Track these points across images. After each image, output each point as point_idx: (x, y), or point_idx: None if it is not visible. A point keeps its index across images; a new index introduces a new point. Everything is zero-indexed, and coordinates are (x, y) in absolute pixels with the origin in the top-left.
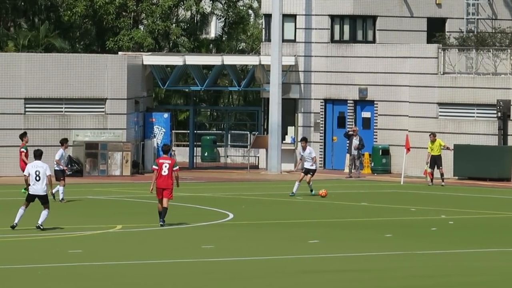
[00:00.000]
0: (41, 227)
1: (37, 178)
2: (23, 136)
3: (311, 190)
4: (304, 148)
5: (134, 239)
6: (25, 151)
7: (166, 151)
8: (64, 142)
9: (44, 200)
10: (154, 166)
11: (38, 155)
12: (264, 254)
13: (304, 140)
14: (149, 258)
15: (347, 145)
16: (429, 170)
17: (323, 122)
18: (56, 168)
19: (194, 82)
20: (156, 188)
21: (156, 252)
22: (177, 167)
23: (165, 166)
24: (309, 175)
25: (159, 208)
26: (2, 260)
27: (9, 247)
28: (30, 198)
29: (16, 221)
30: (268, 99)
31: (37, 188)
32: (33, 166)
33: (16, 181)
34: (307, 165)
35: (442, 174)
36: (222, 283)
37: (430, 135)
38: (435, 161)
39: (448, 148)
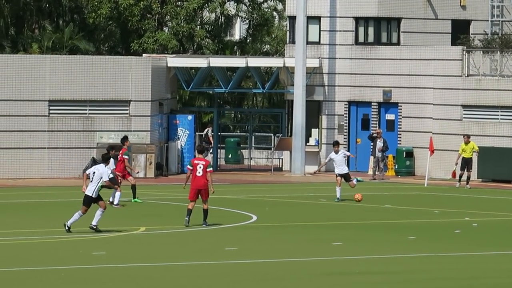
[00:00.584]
0: (95, 228)
1: (92, 179)
2: (124, 140)
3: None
4: (336, 152)
5: (158, 241)
6: (127, 157)
7: (200, 151)
8: (110, 149)
9: (96, 200)
10: (188, 166)
11: (104, 159)
12: (287, 256)
13: (337, 144)
14: (173, 260)
15: (371, 147)
16: (458, 171)
17: (347, 124)
18: (111, 176)
19: (218, 84)
20: (190, 189)
21: (179, 254)
22: (211, 168)
23: (200, 167)
24: (350, 181)
25: (190, 206)
26: (26, 262)
27: (33, 248)
28: (85, 198)
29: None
30: (292, 101)
31: (89, 189)
32: (94, 168)
33: (41, 183)
34: (339, 170)
35: (469, 177)
36: (246, 285)
37: (464, 136)
38: (467, 163)
39: (477, 153)
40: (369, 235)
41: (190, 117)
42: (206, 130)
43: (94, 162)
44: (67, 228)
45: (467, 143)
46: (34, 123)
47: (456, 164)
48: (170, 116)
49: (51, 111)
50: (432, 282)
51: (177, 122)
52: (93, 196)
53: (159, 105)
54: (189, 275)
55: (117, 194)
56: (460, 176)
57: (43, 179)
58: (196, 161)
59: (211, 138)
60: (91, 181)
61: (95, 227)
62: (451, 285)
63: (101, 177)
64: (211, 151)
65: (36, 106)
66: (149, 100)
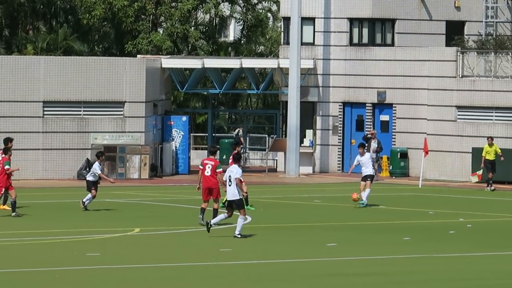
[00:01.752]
0: (238, 236)
1: (229, 183)
2: (236, 144)
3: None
4: (362, 154)
5: (152, 243)
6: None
7: (212, 152)
8: (100, 155)
9: (237, 205)
10: (199, 166)
11: (236, 159)
12: (282, 257)
13: (363, 146)
14: (167, 261)
15: (366, 148)
16: (479, 172)
17: (341, 125)
18: (89, 179)
19: (213, 85)
20: (202, 189)
21: (174, 255)
22: (220, 169)
23: (208, 167)
24: (368, 181)
25: (203, 205)
26: (20, 263)
27: (27, 250)
28: (228, 204)
29: (213, 221)
30: (286, 102)
31: (229, 193)
32: (227, 171)
33: (35, 184)
34: (367, 171)
35: (491, 179)
36: (240, 286)
37: (488, 138)
38: (491, 165)
39: (501, 156)
40: (364, 237)
41: (184, 118)
42: (236, 131)
43: (88, 163)
44: (209, 225)
45: (490, 145)
46: (29, 124)
47: (482, 167)
48: (165, 117)
49: (45, 112)
50: (426, 283)
51: (172, 123)
52: (233, 199)
53: (154, 106)
54: (183, 276)
55: (89, 196)
56: (490, 179)
57: (37, 180)
58: (206, 161)
59: (242, 139)
60: (231, 185)
61: (239, 235)
62: (446, 286)
63: (237, 177)
64: (242, 151)
65: (30, 107)
66: (143, 101)
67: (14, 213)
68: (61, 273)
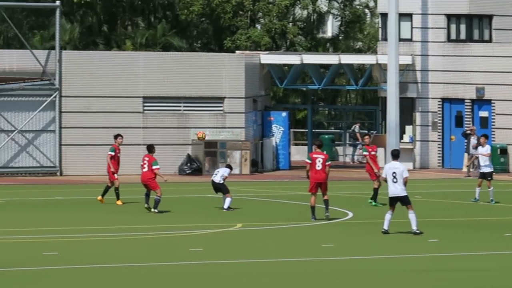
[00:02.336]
0: (417, 231)
1: (394, 179)
2: (366, 135)
3: (492, 200)
4: (483, 145)
5: (255, 238)
6: (367, 153)
7: (319, 146)
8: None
9: (404, 201)
10: (307, 160)
11: (395, 155)
12: (382, 252)
13: (485, 136)
14: (269, 257)
15: (465, 144)
16: None
17: (440, 121)
18: (221, 181)
19: (312, 81)
20: (310, 182)
21: (276, 250)
22: (330, 162)
23: (319, 161)
24: (488, 181)
25: (312, 203)
26: (125, 258)
27: (130, 245)
28: (392, 200)
29: (385, 227)
30: (385, 98)
31: (395, 190)
32: (390, 167)
33: (137, 180)
34: (482, 168)
35: None
36: (342, 282)
37: None
38: None
39: None
40: (465, 233)
41: (284, 114)
42: (353, 127)
43: (189, 158)
44: (384, 230)
45: None
46: (129, 120)
47: None
48: (264, 113)
49: (145, 108)
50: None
51: (272, 119)
52: (401, 195)
53: (253, 102)
54: (285, 271)
55: (228, 199)
56: None
57: (139, 176)
58: (315, 155)
59: (358, 135)
60: (396, 182)
61: (417, 232)
62: None
63: (403, 175)
64: (359, 147)
65: (130, 102)
66: (243, 97)
67: (155, 210)
68: (164, 268)
